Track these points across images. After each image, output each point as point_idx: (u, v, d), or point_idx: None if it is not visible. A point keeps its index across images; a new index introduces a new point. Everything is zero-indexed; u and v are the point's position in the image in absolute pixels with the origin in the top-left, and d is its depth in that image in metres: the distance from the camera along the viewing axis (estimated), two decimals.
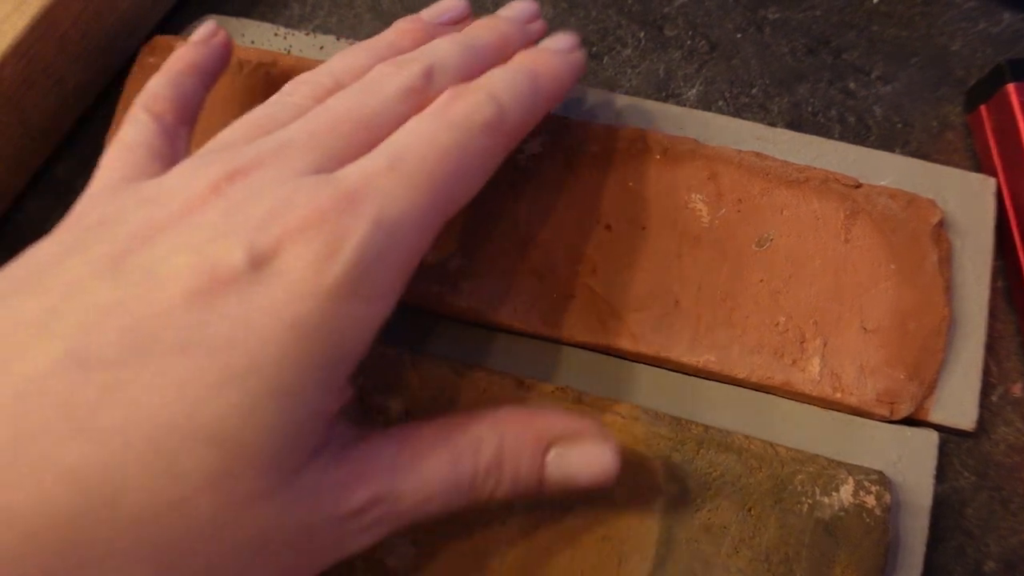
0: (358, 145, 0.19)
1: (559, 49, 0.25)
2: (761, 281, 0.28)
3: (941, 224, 0.29)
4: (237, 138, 0.20)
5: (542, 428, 0.21)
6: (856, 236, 0.28)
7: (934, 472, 0.28)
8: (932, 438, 0.28)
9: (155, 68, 0.31)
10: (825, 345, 0.27)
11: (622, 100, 0.31)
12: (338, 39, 0.32)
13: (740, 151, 0.29)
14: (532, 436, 0.21)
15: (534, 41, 0.26)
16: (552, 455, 0.21)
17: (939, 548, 0.28)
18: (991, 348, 0.30)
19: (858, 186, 0.29)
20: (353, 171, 0.19)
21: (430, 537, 0.26)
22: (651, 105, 0.31)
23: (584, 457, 0.21)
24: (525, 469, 0.21)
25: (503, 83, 0.22)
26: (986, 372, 0.30)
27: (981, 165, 0.32)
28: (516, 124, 0.22)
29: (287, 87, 0.23)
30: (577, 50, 0.26)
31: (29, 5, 0.28)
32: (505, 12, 0.26)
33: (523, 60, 0.24)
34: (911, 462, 0.28)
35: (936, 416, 0.28)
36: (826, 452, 0.27)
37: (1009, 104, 0.30)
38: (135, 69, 0.31)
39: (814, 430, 0.28)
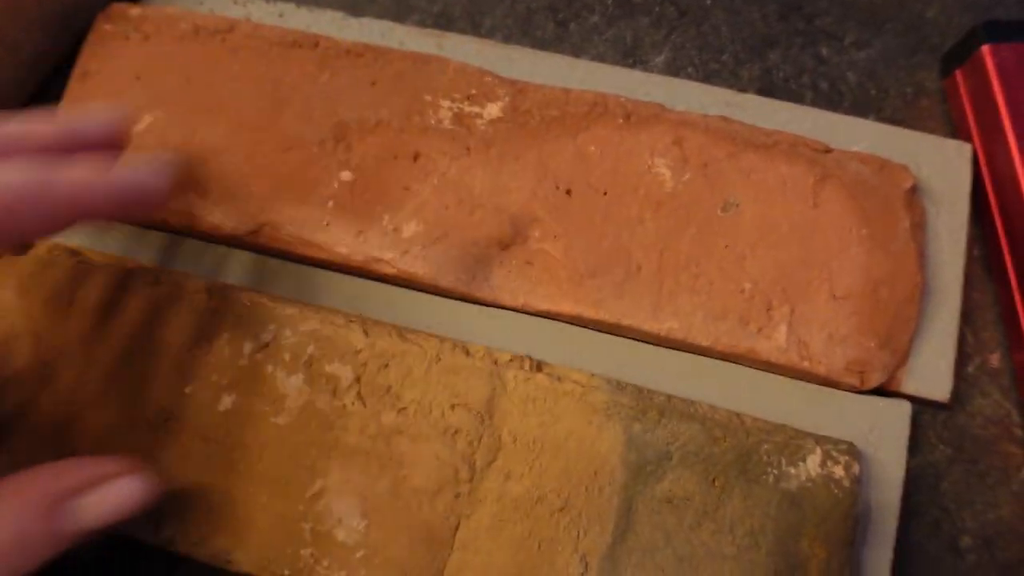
0: None
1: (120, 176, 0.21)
2: (726, 247, 0.27)
3: (914, 190, 0.28)
4: None
5: (51, 491, 0.20)
6: (825, 201, 0.27)
7: (907, 444, 0.27)
8: (905, 409, 0.27)
9: (110, 35, 0.30)
10: (792, 312, 0.27)
11: (585, 66, 0.30)
12: (297, 7, 0.32)
13: (707, 116, 0.28)
14: (35, 504, 0.20)
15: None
16: (70, 511, 0.20)
17: (913, 523, 0.27)
18: (968, 318, 0.29)
19: (828, 151, 0.28)
20: None
21: (380, 512, 0.25)
22: (616, 71, 0.30)
23: (105, 499, 0.21)
24: (36, 538, 0.20)
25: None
26: (963, 342, 0.29)
27: (957, 131, 0.31)
28: None
29: None
30: (149, 179, 0.22)
31: None
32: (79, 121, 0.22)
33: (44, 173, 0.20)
34: (883, 434, 0.27)
35: (909, 387, 0.27)
36: (795, 423, 0.26)
37: (984, 66, 0.29)
38: (91, 37, 0.30)
39: (782, 400, 0.27)
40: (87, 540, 0.21)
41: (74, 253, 0.29)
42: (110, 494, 0.21)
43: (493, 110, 0.28)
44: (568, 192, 0.27)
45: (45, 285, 0.28)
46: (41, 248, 0.29)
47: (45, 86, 0.32)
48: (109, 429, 0.26)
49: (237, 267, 0.28)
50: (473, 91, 0.28)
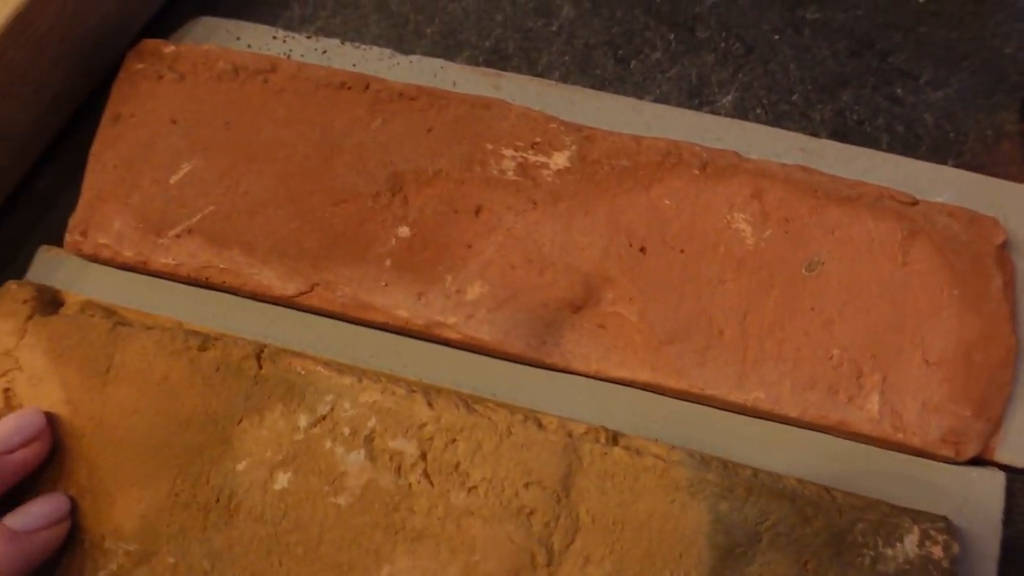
0: None
1: (15, 530, 0.22)
2: (812, 309, 0.25)
3: (1005, 245, 0.27)
4: None
5: None
6: (915, 259, 0.26)
7: (1002, 516, 0.25)
8: (999, 479, 0.25)
9: (143, 75, 0.28)
10: (884, 380, 0.25)
11: (652, 108, 0.28)
12: (343, 43, 0.30)
13: (785, 165, 0.27)
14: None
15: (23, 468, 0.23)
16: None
17: None
18: None
19: (915, 203, 0.27)
20: None
21: None
22: (684, 114, 0.28)
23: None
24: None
25: None
26: None
27: None
28: None
29: None
30: (45, 530, 0.23)
31: (2, 6, 0.26)
32: (16, 520, 0.23)
33: None
34: (977, 506, 0.25)
35: (1002, 455, 0.26)
36: (885, 496, 0.25)
37: None
38: (122, 76, 0.28)
39: (872, 471, 0.25)
40: None
41: (110, 313, 0.27)
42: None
43: (560, 160, 0.26)
44: (643, 250, 0.26)
45: (79, 348, 0.26)
46: (72, 306, 0.27)
47: (71, 125, 0.30)
48: (155, 509, 0.24)
49: (287, 328, 0.26)
50: (538, 139, 0.27)
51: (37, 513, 0.23)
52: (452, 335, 0.25)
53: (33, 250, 0.29)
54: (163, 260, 0.26)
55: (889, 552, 0.24)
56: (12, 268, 0.29)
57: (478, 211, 0.26)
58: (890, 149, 0.29)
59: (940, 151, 0.30)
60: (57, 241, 0.29)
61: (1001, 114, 0.30)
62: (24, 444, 0.23)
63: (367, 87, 0.27)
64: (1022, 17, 0.31)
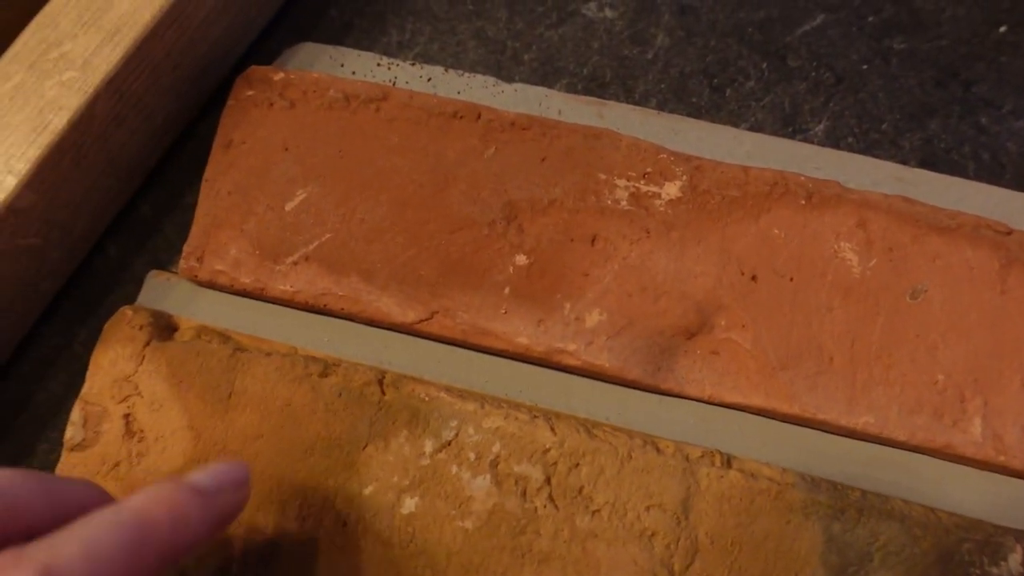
0: None
1: (200, 488, 0.20)
2: (917, 336, 0.26)
3: None
4: None
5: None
6: (1012, 287, 0.27)
7: None
8: None
9: (252, 101, 0.29)
10: (986, 404, 0.26)
11: (752, 138, 0.29)
12: (446, 70, 0.30)
13: (887, 195, 0.28)
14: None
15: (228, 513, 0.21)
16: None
17: None
18: None
19: (1009, 232, 0.28)
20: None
21: None
22: (782, 143, 0.29)
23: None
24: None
25: (68, 551, 0.17)
26: None
27: None
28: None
29: None
30: (229, 491, 0.21)
31: (123, 36, 0.26)
32: (200, 477, 0.21)
33: (131, 508, 0.19)
34: None
35: None
36: (985, 516, 0.26)
37: None
38: (232, 102, 0.29)
39: (974, 493, 0.26)
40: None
41: (226, 338, 0.27)
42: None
43: (671, 190, 0.27)
44: (754, 278, 0.26)
45: (200, 374, 0.26)
46: (187, 332, 0.27)
47: (173, 148, 0.31)
48: (281, 533, 0.25)
49: (404, 355, 0.27)
50: (649, 169, 0.27)
51: (221, 473, 0.21)
52: (573, 361, 0.26)
53: (137, 274, 0.29)
54: (281, 287, 0.27)
55: (994, 570, 0.25)
56: (118, 292, 0.29)
57: (593, 240, 0.27)
58: (976, 177, 0.30)
59: (1023, 179, 0.31)
60: (159, 265, 0.29)
61: None
62: (235, 489, 0.21)
63: (479, 116, 0.28)
64: None
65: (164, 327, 0.27)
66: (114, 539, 0.17)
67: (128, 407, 0.26)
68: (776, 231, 0.27)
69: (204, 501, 0.20)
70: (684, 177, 0.27)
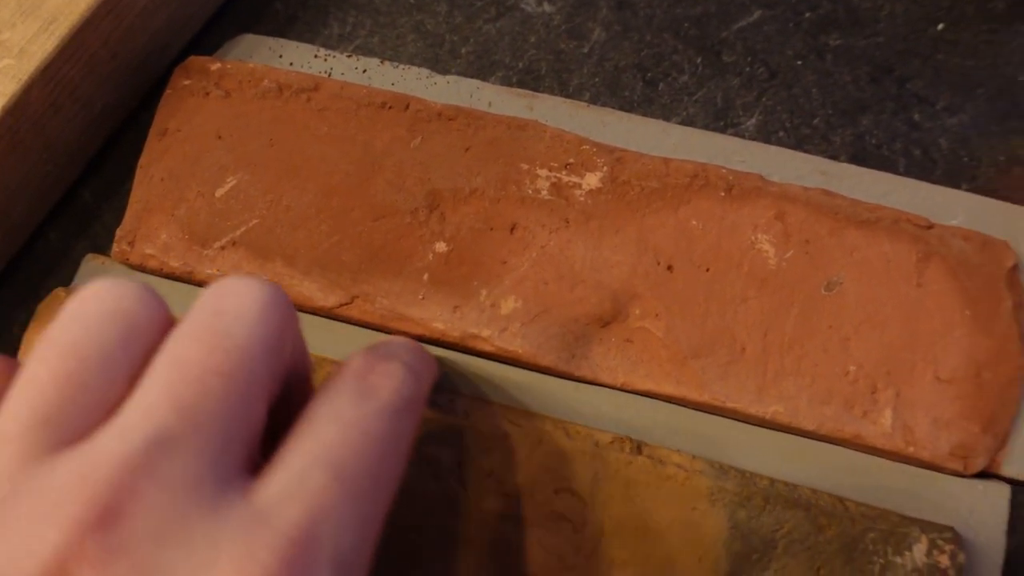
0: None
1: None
2: (830, 327, 0.26)
3: (1016, 268, 0.28)
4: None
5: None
6: (929, 280, 0.27)
7: (1006, 527, 0.26)
8: (1004, 492, 0.27)
9: (189, 91, 0.29)
10: (897, 396, 0.26)
11: (680, 131, 0.30)
12: (382, 62, 0.31)
13: (807, 188, 0.28)
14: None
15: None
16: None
17: None
18: None
19: (930, 227, 0.28)
20: (286, 488, 0.14)
21: None
22: (710, 137, 0.30)
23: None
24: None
25: (406, 351, 0.19)
26: None
27: None
28: (425, 395, 0.20)
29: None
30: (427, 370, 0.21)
31: (58, 25, 0.27)
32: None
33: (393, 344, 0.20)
34: (983, 517, 0.26)
35: (1008, 469, 0.27)
36: (894, 506, 0.26)
37: None
38: (169, 91, 0.29)
39: (882, 483, 0.27)
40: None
41: None
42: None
43: (592, 180, 0.27)
44: (670, 268, 0.27)
45: None
46: None
47: (114, 137, 0.31)
48: None
49: (326, 339, 0.27)
50: (571, 160, 0.28)
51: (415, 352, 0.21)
52: (487, 347, 0.26)
53: (76, 259, 0.30)
54: (208, 271, 0.27)
55: (898, 560, 0.25)
56: (55, 276, 0.30)
57: (513, 229, 0.27)
58: (906, 172, 0.31)
59: (954, 175, 0.31)
60: (100, 250, 0.30)
61: (1014, 140, 0.32)
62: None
63: (407, 107, 0.28)
64: None
65: None
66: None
67: None
68: (694, 222, 0.27)
69: (416, 377, 0.20)
70: (605, 168, 0.28)
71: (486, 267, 0.27)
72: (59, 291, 0.28)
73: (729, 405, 0.26)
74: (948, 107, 0.32)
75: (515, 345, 0.26)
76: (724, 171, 0.28)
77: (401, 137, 0.28)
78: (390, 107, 0.28)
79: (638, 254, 0.27)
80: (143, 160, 0.29)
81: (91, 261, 0.30)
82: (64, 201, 0.31)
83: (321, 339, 0.28)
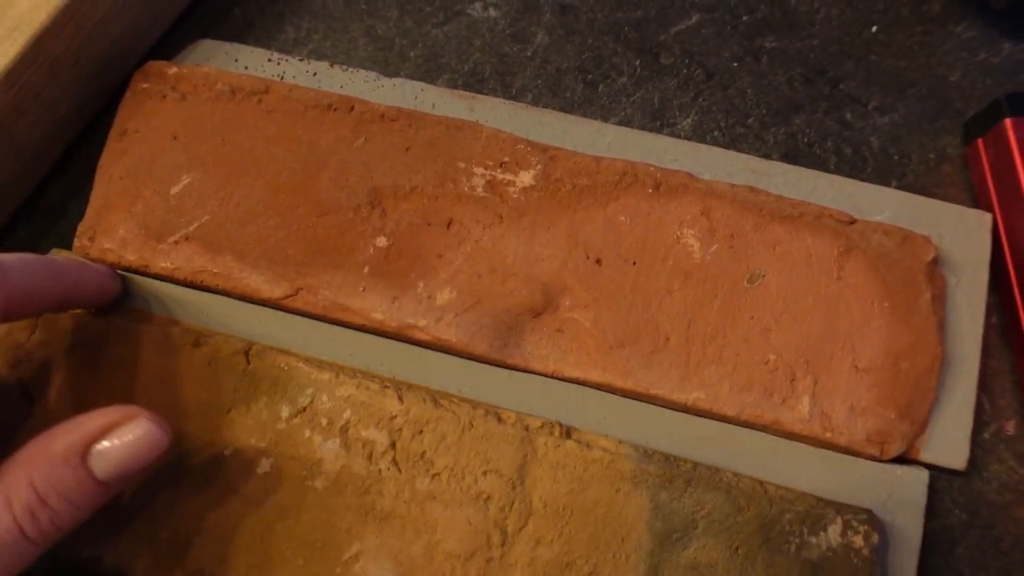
0: None
1: None
2: (752, 318, 0.28)
3: (935, 261, 0.29)
4: None
5: (70, 441, 0.21)
6: (849, 273, 0.28)
7: (924, 511, 0.27)
8: (922, 477, 0.28)
9: (147, 94, 0.31)
10: (816, 384, 0.27)
11: (614, 131, 0.31)
12: (331, 65, 0.32)
13: (734, 185, 0.29)
14: (61, 456, 0.21)
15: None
16: (93, 456, 0.21)
17: None
18: (985, 385, 0.30)
19: (852, 222, 0.29)
20: None
21: (414, 575, 0.26)
22: (643, 136, 0.31)
23: (125, 440, 0.22)
24: (72, 486, 0.21)
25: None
26: (979, 409, 0.30)
27: (978, 199, 0.32)
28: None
29: None
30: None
31: (20, 32, 0.28)
32: None
33: None
34: (901, 501, 0.27)
35: (927, 455, 0.28)
36: (816, 491, 0.27)
37: (1006, 139, 0.30)
38: (128, 95, 0.31)
39: (804, 468, 0.28)
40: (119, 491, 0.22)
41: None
42: (128, 436, 0.22)
43: (526, 178, 0.29)
44: (598, 261, 0.28)
45: (84, 344, 0.28)
46: None
47: (80, 139, 0.33)
48: (151, 492, 0.27)
49: (274, 328, 0.29)
50: (506, 158, 0.29)
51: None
52: (422, 336, 0.28)
53: (43, 254, 0.32)
54: (162, 264, 0.29)
55: (813, 540, 0.26)
56: None
57: (449, 224, 0.28)
58: (837, 171, 0.32)
59: (884, 173, 0.32)
60: (66, 245, 0.32)
61: (944, 138, 0.33)
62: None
63: (351, 109, 0.30)
64: (967, 47, 0.34)
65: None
66: None
67: (20, 372, 0.28)
68: (622, 218, 0.28)
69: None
70: (539, 166, 0.29)
71: (423, 261, 0.28)
72: None
73: (652, 392, 0.27)
74: (880, 107, 0.33)
75: (449, 334, 0.27)
76: (653, 169, 0.29)
77: (345, 137, 0.30)
78: (335, 109, 0.30)
79: (568, 248, 0.28)
80: (103, 160, 0.30)
81: (55, 257, 0.31)
82: (32, 199, 0.32)
83: (271, 329, 0.29)
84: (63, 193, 0.33)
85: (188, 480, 0.27)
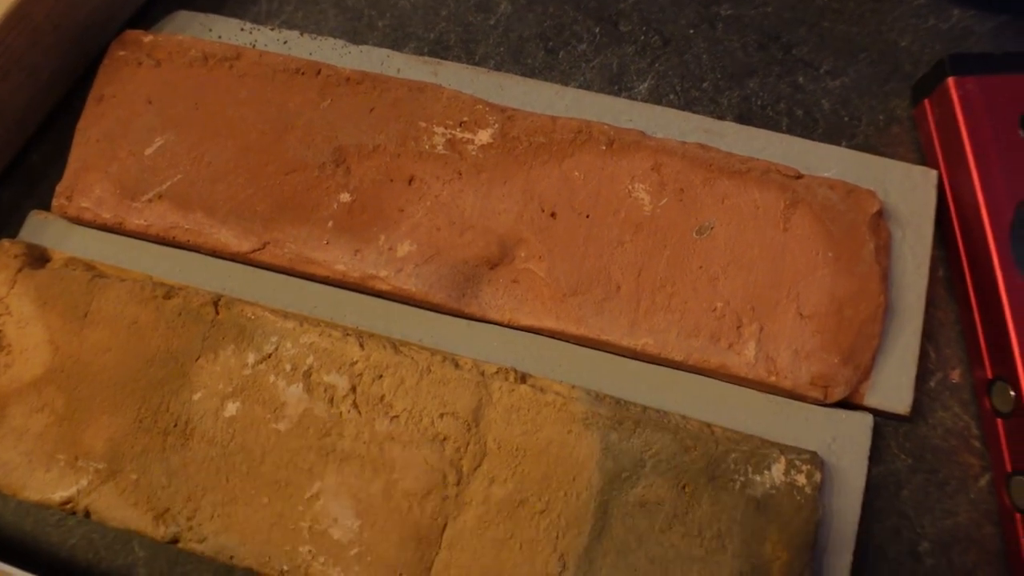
0: None
1: None
2: (700, 268, 0.29)
3: (880, 214, 0.30)
4: None
5: None
6: (795, 225, 0.29)
7: (868, 454, 0.28)
8: (867, 421, 0.29)
9: (124, 61, 0.32)
10: (761, 330, 0.28)
11: (572, 93, 0.32)
12: (301, 34, 0.33)
13: (684, 142, 0.30)
14: None
15: None
16: None
17: (875, 528, 0.29)
18: (931, 335, 0.31)
19: (799, 177, 0.30)
20: None
21: (372, 513, 0.27)
22: (600, 98, 0.32)
23: None
24: None
25: None
26: (926, 359, 0.31)
27: (926, 158, 0.33)
28: None
29: None
30: None
31: (3, 1, 0.30)
32: None
33: None
34: (845, 444, 0.28)
35: (872, 400, 0.29)
36: (763, 434, 0.28)
37: (950, 98, 0.31)
38: (106, 63, 0.32)
39: (751, 412, 0.29)
40: None
41: (90, 267, 0.31)
42: None
43: (484, 136, 0.30)
44: (553, 215, 0.29)
45: (62, 297, 0.30)
46: (58, 262, 0.31)
47: (61, 105, 0.34)
48: (121, 433, 0.28)
49: (242, 281, 0.30)
50: (465, 118, 0.30)
51: None
52: (383, 286, 0.29)
53: (26, 215, 0.33)
54: (136, 221, 0.30)
55: (758, 478, 0.27)
56: (7, 231, 0.33)
57: (410, 180, 0.30)
58: (789, 131, 0.33)
59: (835, 134, 0.33)
60: (47, 207, 0.33)
61: (894, 101, 0.34)
62: None
63: (318, 72, 0.31)
64: (917, 14, 0.35)
65: (37, 258, 0.31)
66: None
67: (0, 324, 0.30)
68: (577, 173, 0.30)
69: None
70: (497, 125, 0.30)
71: (385, 215, 0.29)
72: (3, 242, 0.31)
73: (603, 338, 0.28)
74: (831, 71, 0.34)
75: (409, 284, 0.29)
76: (607, 127, 0.30)
77: (312, 100, 0.31)
78: (303, 73, 0.31)
79: (524, 202, 0.29)
80: (81, 124, 0.32)
81: (35, 216, 0.32)
82: (15, 163, 0.34)
83: (241, 283, 0.30)
84: (44, 157, 0.34)
85: (158, 424, 0.28)
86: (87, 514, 0.27)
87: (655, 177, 0.29)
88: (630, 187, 0.29)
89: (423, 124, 0.30)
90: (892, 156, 0.32)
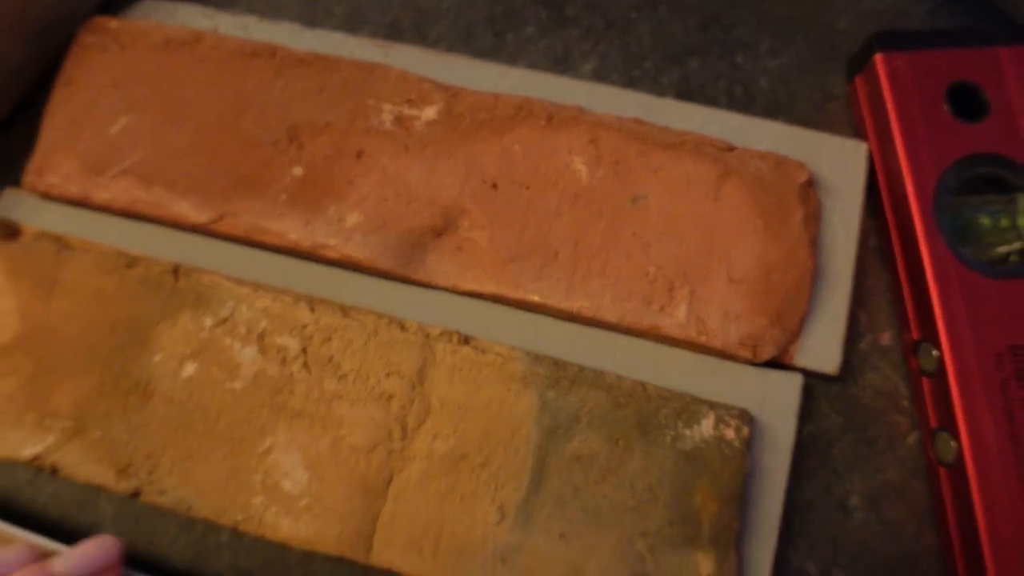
0: None
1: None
2: (634, 235, 0.30)
3: (808, 184, 0.31)
4: None
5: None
6: (726, 195, 0.31)
7: (797, 412, 0.30)
8: (796, 380, 0.30)
9: (91, 46, 0.34)
10: (692, 294, 0.30)
11: (517, 73, 0.33)
12: (260, 19, 0.35)
13: (621, 117, 0.32)
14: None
15: None
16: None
17: (805, 485, 0.30)
18: (864, 301, 0.32)
19: (731, 149, 0.31)
20: None
21: (321, 467, 0.28)
22: (543, 77, 0.33)
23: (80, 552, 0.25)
24: None
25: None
26: (857, 323, 0.32)
27: (859, 133, 0.34)
28: None
29: None
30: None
31: None
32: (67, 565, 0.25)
33: None
34: (775, 402, 0.30)
35: (801, 360, 0.30)
36: (695, 393, 0.29)
37: (877, 73, 0.32)
38: (74, 48, 0.34)
39: (684, 372, 0.30)
40: None
41: (58, 240, 0.32)
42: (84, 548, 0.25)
43: (429, 113, 0.31)
44: (494, 186, 0.31)
45: (31, 268, 0.31)
46: (30, 236, 0.33)
47: (33, 92, 0.36)
48: (86, 395, 0.29)
49: (201, 251, 0.32)
50: (412, 96, 0.32)
51: (85, 558, 0.25)
52: (333, 254, 0.30)
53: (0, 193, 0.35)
54: (101, 195, 0.32)
55: (688, 432, 0.28)
56: None
57: (359, 155, 0.31)
58: (728, 109, 0.34)
59: (772, 111, 0.34)
60: (19, 185, 0.35)
61: (830, 79, 0.35)
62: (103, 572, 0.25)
63: (274, 55, 0.33)
64: None
65: (10, 232, 0.33)
66: None
67: None
68: (517, 147, 0.31)
69: None
70: (442, 102, 0.32)
71: (335, 188, 0.31)
72: None
73: (540, 301, 0.30)
74: (770, 50, 0.35)
75: (358, 252, 0.30)
76: (547, 103, 0.32)
77: (267, 81, 0.32)
78: (259, 55, 0.33)
79: (467, 175, 0.31)
80: (50, 106, 0.33)
81: (8, 193, 0.34)
82: None
83: (200, 253, 0.32)
84: (19, 139, 0.35)
85: (120, 385, 0.29)
86: (54, 470, 0.29)
87: (592, 150, 0.31)
88: (568, 160, 0.31)
89: (371, 102, 0.32)
90: (828, 132, 0.34)
